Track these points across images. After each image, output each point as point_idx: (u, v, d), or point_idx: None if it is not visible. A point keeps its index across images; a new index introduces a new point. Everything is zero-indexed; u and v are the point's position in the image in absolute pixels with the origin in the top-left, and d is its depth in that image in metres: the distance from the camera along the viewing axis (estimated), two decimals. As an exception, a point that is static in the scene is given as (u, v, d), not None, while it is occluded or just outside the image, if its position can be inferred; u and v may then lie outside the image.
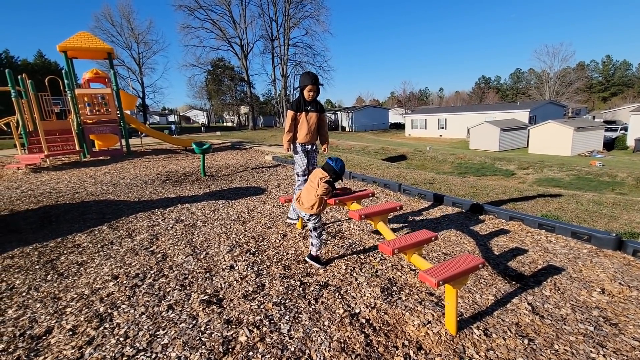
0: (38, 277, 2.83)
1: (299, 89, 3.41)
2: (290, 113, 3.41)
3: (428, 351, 1.91)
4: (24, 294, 2.58)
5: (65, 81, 10.48)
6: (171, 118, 64.13)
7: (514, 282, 2.68)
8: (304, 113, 3.40)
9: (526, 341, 1.98)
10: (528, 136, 28.88)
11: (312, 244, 2.99)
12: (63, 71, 10.66)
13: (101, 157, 11.11)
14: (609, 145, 28.11)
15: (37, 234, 3.92)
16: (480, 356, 1.87)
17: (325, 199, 2.90)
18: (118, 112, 11.73)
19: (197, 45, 41.63)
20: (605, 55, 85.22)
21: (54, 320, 2.22)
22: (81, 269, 3.00)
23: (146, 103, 46.56)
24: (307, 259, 3.04)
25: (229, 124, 60.79)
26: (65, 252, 3.38)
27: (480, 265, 2.04)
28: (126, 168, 8.97)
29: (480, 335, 2.04)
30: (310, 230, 2.94)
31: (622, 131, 29.90)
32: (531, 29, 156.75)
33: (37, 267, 3.04)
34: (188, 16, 40.60)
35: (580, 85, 57.19)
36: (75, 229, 4.06)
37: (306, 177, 3.60)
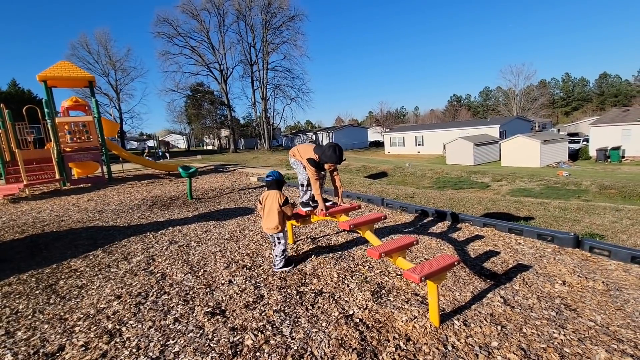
0: (41, 301, 2.90)
1: (320, 157, 3.37)
2: (313, 169, 3.40)
3: (416, 341, 2.16)
4: (29, 317, 2.65)
5: (45, 110, 10.43)
6: (150, 143, 63.22)
7: (488, 280, 2.99)
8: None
9: (499, 327, 2.27)
10: (500, 150, 30.41)
11: (276, 256, 3.37)
12: (43, 100, 10.61)
13: (82, 185, 10.95)
14: (574, 156, 30.01)
15: (29, 262, 3.94)
16: (461, 342, 2.13)
17: (289, 212, 3.34)
18: (99, 139, 11.70)
19: (176, 70, 41.86)
20: (565, 73, 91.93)
21: (65, 339, 2.32)
22: (82, 291, 3.09)
23: (124, 129, 45.90)
24: (281, 269, 3.36)
25: (210, 147, 60.53)
26: (62, 277, 3.44)
27: (455, 263, 2.34)
28: (109, 195, 8.92)
29: (460, 325, 2.31)
30: (279, 250, 3.34)
31: (585, 142, 32.04)
32: (496, 48, 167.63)
33: (37, 292, 3.10)
34: (167, 43, 41.01)
35: (544, 101, 61.24)
36: (68, 255, 4.10)
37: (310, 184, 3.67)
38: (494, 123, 37.84)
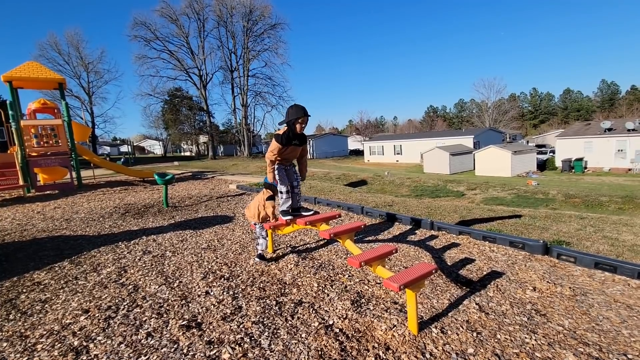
0: (-1, 317, 2.70)
1: (287, 122, 3.28)
2: (277, 145, 3.31)
3: (395, 350, 2.17)
4: (-15, 335, 2.46)
5: (10, 112, 9.88)
6: (123, 148, 60.95)
7: (464, 287, 3.07)
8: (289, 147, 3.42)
9: (475, 334, 2.32)
10: (474, 160, 31.55)
11: (258, 244, 3.88)
12: (7, 102, 10.04)
13: (48, 192, 10.38)
14: (542, 166, 31.62)
15: (-13, 275, 3.67)
16: (438, 350, 2.17)
17: (267, 209, 3.79)
18: (69, 143, 11.17)
19: (154, 75, 40.81)
20: (532, 87, 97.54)
21: (26, 357, 2.17)
22: (46, 306, 2.90)
23: (96, 134, 44.12)
24: (256, 259, 3.85)
25: (187, 154, 59.16)
26: (24, 290, 3.22)
27: (433, 271, 2.38)
28: (79, 202, 8.50)
29: (438, 333, 2.35)
30: (258, 237, 3.87)
31: (551, 153, 33.87)
32: (470, 61, 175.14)
33: (-4, 307, 2.88)
34: (144, 46, 40.02)
35: (514, 113, 64.33)
36: (31, 267, 3.85)
37: (289, 192, 3.59)
38: (469, 134, 39.30)
